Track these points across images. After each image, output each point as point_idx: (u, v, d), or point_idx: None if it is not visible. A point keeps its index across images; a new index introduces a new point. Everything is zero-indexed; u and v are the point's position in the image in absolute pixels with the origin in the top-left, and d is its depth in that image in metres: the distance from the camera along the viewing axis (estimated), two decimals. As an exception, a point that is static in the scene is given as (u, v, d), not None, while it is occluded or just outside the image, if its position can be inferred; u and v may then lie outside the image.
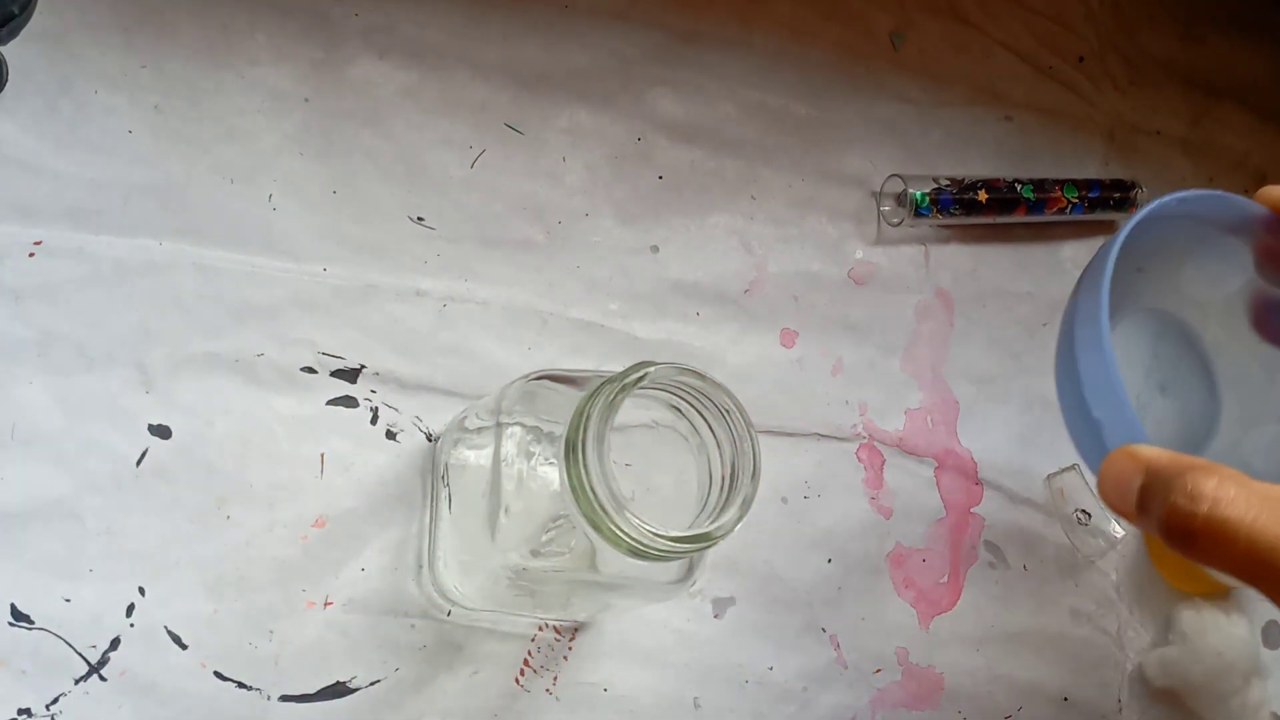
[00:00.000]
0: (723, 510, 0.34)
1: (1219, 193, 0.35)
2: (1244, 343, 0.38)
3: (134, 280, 0.43)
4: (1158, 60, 0.66)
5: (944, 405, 0.56)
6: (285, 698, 0.43)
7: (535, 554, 0.37)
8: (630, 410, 0.37)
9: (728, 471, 0.35)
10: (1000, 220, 0.59)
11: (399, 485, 0.45)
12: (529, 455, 0.37)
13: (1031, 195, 0.59)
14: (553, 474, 0.36)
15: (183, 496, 0.42)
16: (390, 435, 0.46)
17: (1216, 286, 0.38)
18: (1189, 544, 0.25)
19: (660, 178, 0.53)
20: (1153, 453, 0.28)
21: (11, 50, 0.42)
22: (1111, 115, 0.64)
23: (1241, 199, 0.35)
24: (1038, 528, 0.56)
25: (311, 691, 0.43)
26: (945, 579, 0.54)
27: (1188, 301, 0.39)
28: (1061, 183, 0.60)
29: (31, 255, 0.42)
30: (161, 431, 0.43)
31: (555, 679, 0.46)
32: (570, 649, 0.46)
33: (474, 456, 0.41)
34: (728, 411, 0.35)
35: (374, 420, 0.46)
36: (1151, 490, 0.27)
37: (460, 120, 0.50)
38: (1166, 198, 0.34)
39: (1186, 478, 0.26)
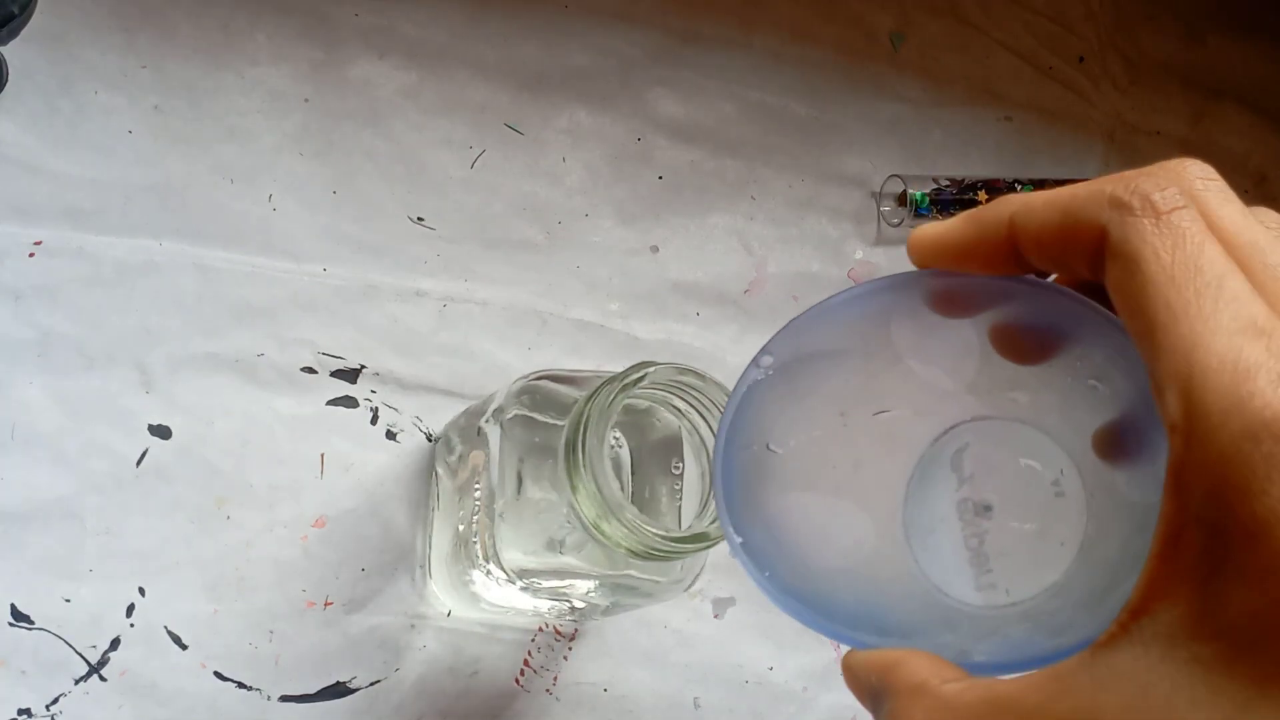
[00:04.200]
0: (723, 510, 0.34)
1: (823, 305, 0.26)
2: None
3: (134, 280, 0.43)
4: (1158, 60, 0.66)
5: (944, 405, 0.56)
6: (285, 698, 0.43)
7: (534, 554, 0.37)
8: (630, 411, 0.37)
9: (728, 471, 0.35)
10: (1000, 220, 0.59)
11: (399, 485, 0.45)
12: (529, 455, 0.37)
13: (1031, 195, 0.59)
14: (552, 475, 0.36)
15: (183, 496, 0.42)
16: (390, 435, 0.46)
17: (959, 360, 0.26)
18: None
19: (660, 178, 0.53)
20: (860, 664, 0.23)
21: (11, 50, 0.42)
22: (1111, 115, 0.64)
23: (847, 298, 0.25)
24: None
25: (311, 691, 0.43)
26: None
27: (948, 394, 0.27)
28: (1061, 183, 0.60)
29: (31, 255, 0.42)
30: (161, 431, 0.43)
31: (555, 679, 0.46)
32: (570, 649, 0.46)
33: (473, 457, 0.41)
34: (728, 411, 0.35)
35: (374, 420, 0.46)
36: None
37: (460, 120, 0.50)
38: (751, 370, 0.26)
39: (885, 707, 0.21)
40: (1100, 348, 0.24)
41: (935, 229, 0.24)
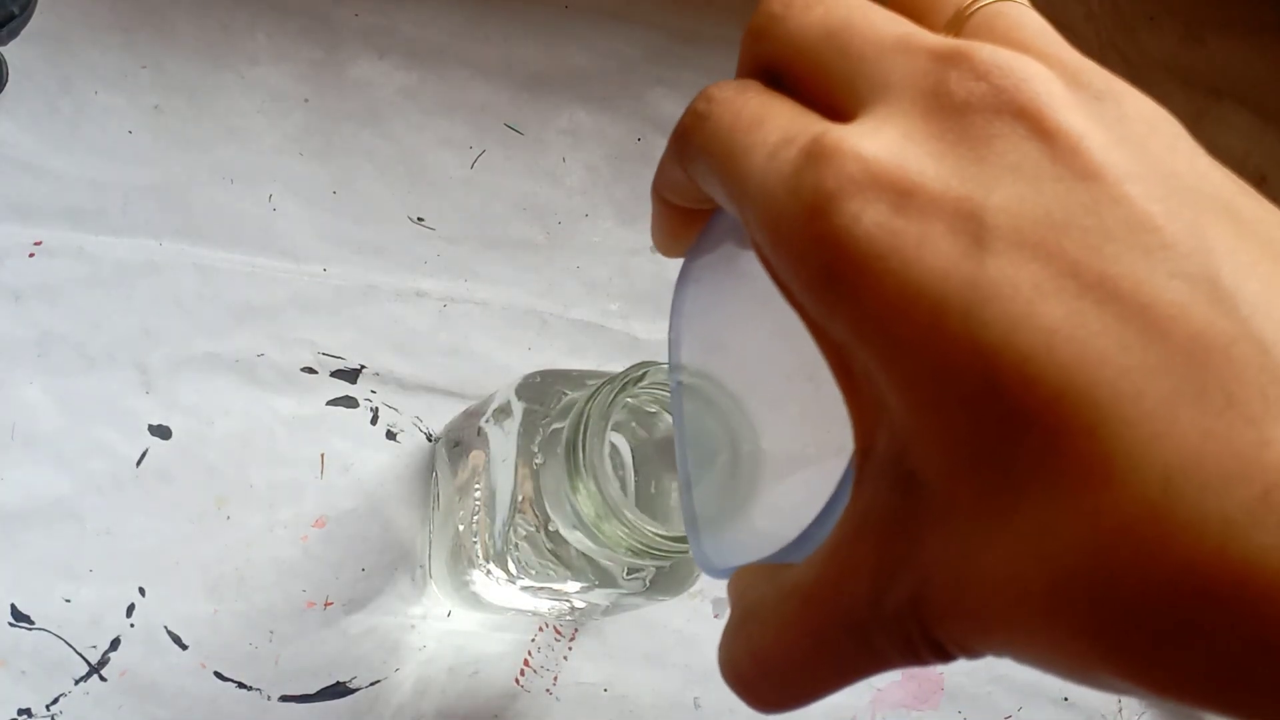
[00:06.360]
0: (723, 510, 0.34)
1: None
2: None
3: (134, 280, 0.43)
4: (1158, 60, 0.66)
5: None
6: (285, 698, 0.43)
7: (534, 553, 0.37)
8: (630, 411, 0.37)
9: (728, 471, 0.35)
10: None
11: (399, 485, 0.45)
12: (528, 456, 0.37)
13: (1031, 195, 0.59)
14: (551, 475, 0.36)
15: (183, 497, 0.42)
16: (390, 435, 0.46)
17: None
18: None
19: (660, 178, 0.53)
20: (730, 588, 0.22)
21: (11, 50, 0.42)
22: (1111, 115, 0.64)
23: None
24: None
25: (311, 691, 0.43)
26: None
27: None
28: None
29: (31, 255, 0.42)
30: (161, 432, 0.43)
31: (555, 679, 0.46)
32: (570, 649, 0.46)
33: (473, 456, 0.41)
34: (728, 411, 0.35)
35: (374, 420, 0.46)
36: None
37: (460, 120, 0.50)
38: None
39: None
40: None
41: (651, 226, 0.25)
